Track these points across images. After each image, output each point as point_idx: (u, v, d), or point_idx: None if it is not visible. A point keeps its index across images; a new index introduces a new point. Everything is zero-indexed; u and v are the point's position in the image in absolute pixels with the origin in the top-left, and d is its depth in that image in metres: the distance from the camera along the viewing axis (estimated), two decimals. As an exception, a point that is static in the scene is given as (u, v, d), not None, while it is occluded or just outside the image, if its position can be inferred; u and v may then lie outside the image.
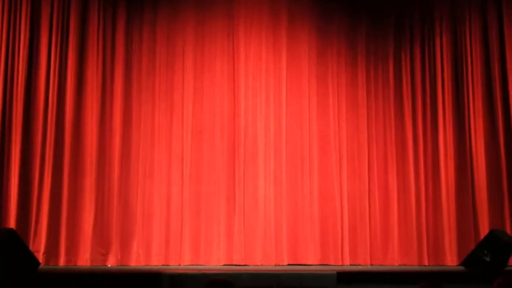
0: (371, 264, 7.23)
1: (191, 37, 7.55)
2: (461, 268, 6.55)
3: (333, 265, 7.09)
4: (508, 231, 7.08)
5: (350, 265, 7.18)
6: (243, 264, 7.02)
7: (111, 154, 7.18)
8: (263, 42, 7.62)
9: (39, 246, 6.78)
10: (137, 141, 7.28)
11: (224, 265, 7.02)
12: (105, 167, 7.14)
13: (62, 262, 6.83)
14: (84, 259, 6.87)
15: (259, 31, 7.64)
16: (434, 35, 7.84)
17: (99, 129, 7.17)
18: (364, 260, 7.26)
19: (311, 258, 7.18)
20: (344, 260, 7.24)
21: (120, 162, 7.17)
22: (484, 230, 7.15)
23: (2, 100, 7.01)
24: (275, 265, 7.06)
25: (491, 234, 6.34)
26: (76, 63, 7.22)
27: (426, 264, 7.29)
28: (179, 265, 6.99)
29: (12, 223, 6.72)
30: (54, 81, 7.12)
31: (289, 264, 7.11)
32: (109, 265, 6.91)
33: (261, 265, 7.03)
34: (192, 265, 7.00)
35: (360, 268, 7.00)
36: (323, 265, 7.13)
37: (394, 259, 7.30)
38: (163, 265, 6.97)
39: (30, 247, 6.42)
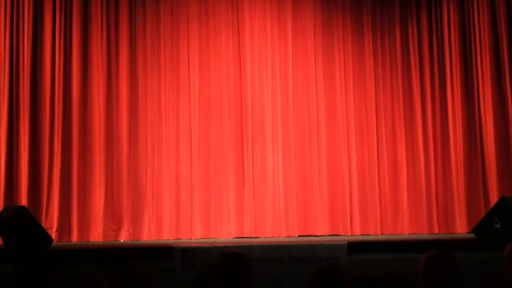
0: (382, 234, 7.25)
1: (195, 11, 7.46)
2: (472, 235, 6.57)
3: (344, 236, 7.12)
4: (519, 198, 7.09)
5: (361, 235, 7.20)
6: (254, 236, 7.07)
7: (119, 131, 7.19)
8: (267, 14, 7.53)
9: (51, 223, 6.84)
10: (145, 118, 7.27)
11: (235, 237, 7.07)
12: (114, 144, 7.16)
13: (74, 238, 6.91)
14: (97, 235, 6.94)
15: (263, 3, 7.54)
16: (441, 2, 7.72)
17: (106, 107, 7.18)
18: (374, 230, 7.27)
19: (321, 229, 7.21)
20: (354, 230, 7.26)
21: (128, 139, 7.18)
22: (494, 197, 7.15)
23: (9, 79, 7.00)
24: (286, 236, 7.10)
25: (502, 201, 6.33)
26: (80, 40, 7.20)
27: (437, 232, 7.30)
28: (191, 238, 7.04)
29: (23, 201, 6.78)
30: (60, 59, 7.11)
31: (299, 236, 7.14)
32: (121, 240, 6.98)
33: (272, 237, 7.07)
34: (204, 238, 7.06)
35: (370, 238, 7.03)
36: (334, 235, 7.16)
37: (405, 228, 7.30)
38: (174, 239, 7.02)
39: (43, 225, 6.50)
